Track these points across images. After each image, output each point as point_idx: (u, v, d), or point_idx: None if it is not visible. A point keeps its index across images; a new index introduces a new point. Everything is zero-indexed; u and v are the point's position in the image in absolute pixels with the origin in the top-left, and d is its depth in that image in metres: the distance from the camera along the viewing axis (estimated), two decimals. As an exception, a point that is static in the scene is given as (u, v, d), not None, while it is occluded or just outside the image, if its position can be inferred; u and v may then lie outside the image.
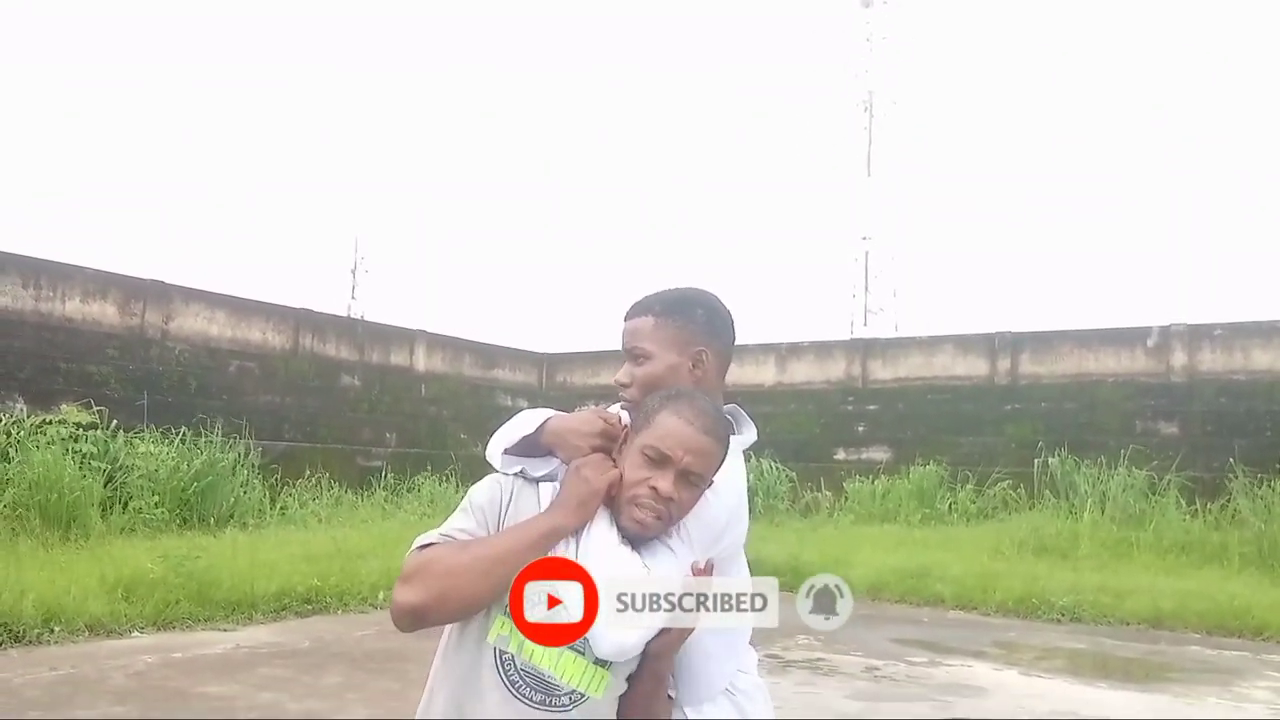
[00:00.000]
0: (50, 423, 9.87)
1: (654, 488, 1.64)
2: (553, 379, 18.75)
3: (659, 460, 1.65)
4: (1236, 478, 11.48)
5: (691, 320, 1.90)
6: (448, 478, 14.21)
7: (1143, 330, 14.29)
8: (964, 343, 15.65)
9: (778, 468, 15.18)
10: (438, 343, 16.63)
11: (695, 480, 1.67)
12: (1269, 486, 11.07)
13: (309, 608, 7.93)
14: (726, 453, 1.75)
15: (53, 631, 6.43)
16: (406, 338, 16.14)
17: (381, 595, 8.46)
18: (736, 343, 2.00)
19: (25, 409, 10.33)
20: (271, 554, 8.77)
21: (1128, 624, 8.32)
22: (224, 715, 4.87)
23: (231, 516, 10.69)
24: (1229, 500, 11.45)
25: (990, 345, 15.36)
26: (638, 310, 1.92)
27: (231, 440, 11.50)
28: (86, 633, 6.59)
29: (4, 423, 9.78)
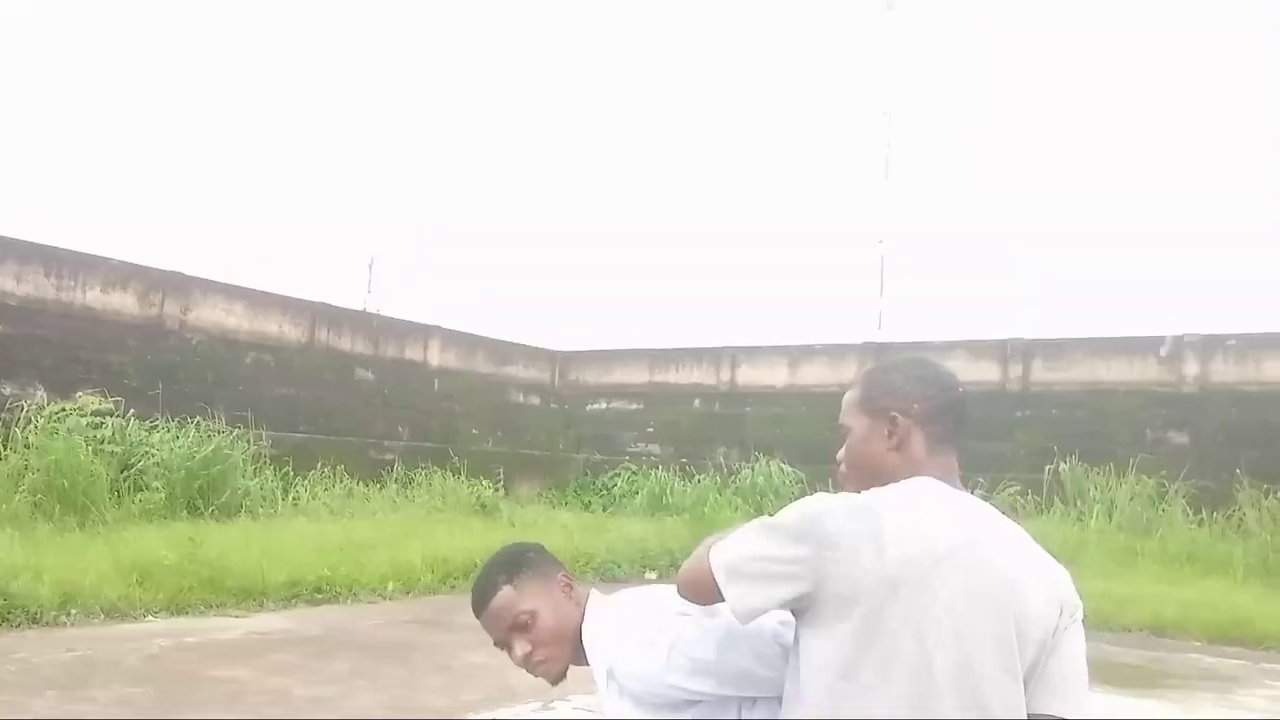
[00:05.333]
0: (69, 411, 10.04)
1: None
2: (565, 377, 18.86)
3: None
4: (1244, 489, 11.49)
5: (882, 384, 1.80)
6: (457, 472, 14.33)
7: (1156, 340, 14.30)
8: (976, 348, 15.68)
9: (787, 469, 15.26)
10: (452, 338, 16.76)
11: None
12: (1276, 498, 11.09)
13: (319, 596, 8.06)
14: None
15: (69, 614, 6.58)
16: (421, 333, 16.28)
17: (390, 586, 8.59)
18: (957, 405, 1.77)
19: (46, 396, 10.50)
20: (283, 544, 8.91)
21: (1130, 631, 8.36)
22: (235, 699, 4.98)
23: (243, 506, 10.83)
24: (1235, 511, 11.47)
25: (1002, 351, 15.38)
26: (850, 387, 1.86)
27: (245, 431, 11.65)
28: (102, 616, 6.73)
29: (26, 410, 9.96)
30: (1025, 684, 1.59)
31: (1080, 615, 1.69)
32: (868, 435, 1.77)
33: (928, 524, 1.60)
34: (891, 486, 1.69)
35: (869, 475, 1.75)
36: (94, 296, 11.91)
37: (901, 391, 1.76)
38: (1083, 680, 1.66)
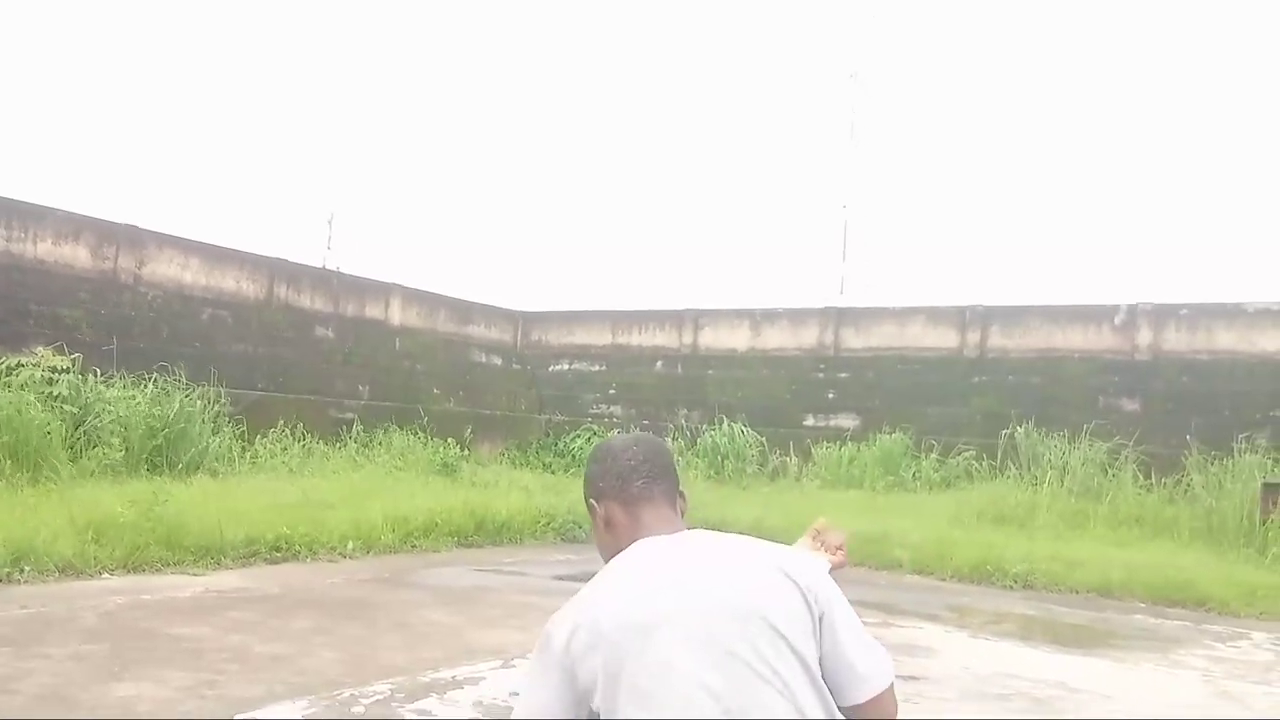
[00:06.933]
0: (22, 365, 9.84)
1: None
2: (528, 337, 18.80)
3: None
4: (1192, 455, 11.77)
5: (586, 479, 1.95)
6: (418, 431, 14.28)
7: (1110, 308, 14.52)
8: (935, 314, 15.83)
9: (747, 432, 15.36)
10: (413, 297, 16.62)
11: None
12: (1222, 464, 11.36)
13: (278, 555, 8.03)
14: None
15: (23, 571, 6.50)
16: (382, 291, 16.12)
17: (350, 545, 8.58)
18: (629, 470, 1.87)
19: (-4, 350, 10.29)
20: (241, 502, 8.84)
21: (1077, 592, 8.58)
22: (193, 656, 4.97)
23: (200, 464, 10.71)
24: (1183, 476, 11.75)
25: (961, 318, 15.55)
26: None
27: (202, 388, 11.50)
28: (57, 573, 6.66)
29: (-26, 364, 9.76)
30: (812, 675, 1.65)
31: (826, 606, 1.72)
32: (593, 530, 1.92)
33: (628, 593, 1.68)
34: (607, 567, 1.78)
35: (609, 559, 1.83)
36: (45, 249, 11.65)
37: (588, 480, 1.91)
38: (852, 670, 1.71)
